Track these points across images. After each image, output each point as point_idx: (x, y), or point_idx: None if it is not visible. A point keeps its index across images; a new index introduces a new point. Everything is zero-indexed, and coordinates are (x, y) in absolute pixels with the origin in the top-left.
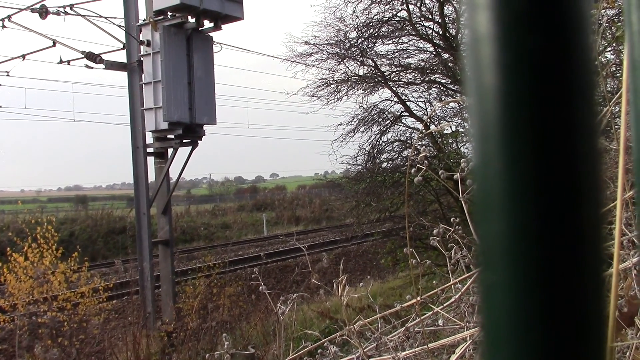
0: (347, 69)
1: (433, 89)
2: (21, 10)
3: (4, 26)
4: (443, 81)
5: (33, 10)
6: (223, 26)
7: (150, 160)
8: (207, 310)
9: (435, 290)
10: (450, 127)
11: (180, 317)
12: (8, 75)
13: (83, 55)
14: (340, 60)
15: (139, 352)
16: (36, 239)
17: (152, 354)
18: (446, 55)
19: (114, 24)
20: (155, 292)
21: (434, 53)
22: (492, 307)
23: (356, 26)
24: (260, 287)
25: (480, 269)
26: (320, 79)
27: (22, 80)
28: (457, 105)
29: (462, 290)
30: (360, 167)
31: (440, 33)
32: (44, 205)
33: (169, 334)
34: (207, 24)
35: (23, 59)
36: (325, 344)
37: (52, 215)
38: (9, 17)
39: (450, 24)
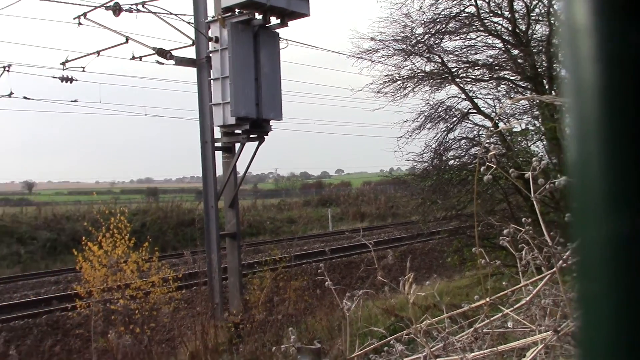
0: (414, 66)
1: (502, 86)
2: (96, 7)
3: (80, 23)
4: (512, 78)
5: (107, 8)
6: (289, 22)
7: (219, 154)
8: (273, 303)
9: (505, 291)
10: (520, 124)
11: (247, 309)
12: (84, 70)
13: (154, 52)
14: (406, 56)
15: (207, 341)
16: (110, 229)
17: (220, 344)
18: (516, 52)
19: (183, 20)
20: (222, 284)
21: (503, 49)
22: (591, 321)
23: (423, 22)
24: (326, 283)
25: (577, 277)
26: (386, 76)
27: (96, 76)
28: (527, 102)
29: (533, 293)
30: (426, 164)
31: (510, 29)
32: (117, 197)
33: (236, 325)
34: (274, 20)
35: (98, 55)
36: (392, 341)
37: (125, 207)
38: (84, 14)
39: (520, 20)
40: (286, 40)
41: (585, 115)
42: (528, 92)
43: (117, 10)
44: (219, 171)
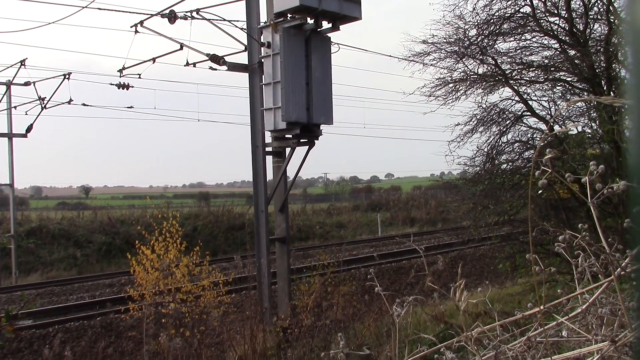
0: (466, 68)
1: (557, 88)
2: (152, 15)
3: (137, 31)
4: (569, 79)
5: (163, 16)
6: (341, 26)
7: (269, 159)
8: (321, 308)
9: (560, 299)
10: (577, 127)
11: (295, 314)
12: (140, 77)
13: (208, 58)
14: (459, 58)
15: (256, 345)
16: (162, 233)
17: (268, 348)
18: (572, 52)
19: (236, 27)
20: (272, 288)
21: (559, 50)
22: None
23: (476, 23)
24: (376, 288)
25: (637, 285)
26: (438, 79)
27: (152, 82)
28: (584, 104)
29: (590, 301)
30: (478, 168)
31: (567, 28)
32: (170, 201)
33: (285, 330)
34: (325, 24)
35: (153, 62)
36: (442, 349)
37: (177, 211)
38: (141, 22)
39: (577, 19)
40: (337, 44)
41: None
42: (585, 93)
43: (172, 17)
44: (270, 176)
